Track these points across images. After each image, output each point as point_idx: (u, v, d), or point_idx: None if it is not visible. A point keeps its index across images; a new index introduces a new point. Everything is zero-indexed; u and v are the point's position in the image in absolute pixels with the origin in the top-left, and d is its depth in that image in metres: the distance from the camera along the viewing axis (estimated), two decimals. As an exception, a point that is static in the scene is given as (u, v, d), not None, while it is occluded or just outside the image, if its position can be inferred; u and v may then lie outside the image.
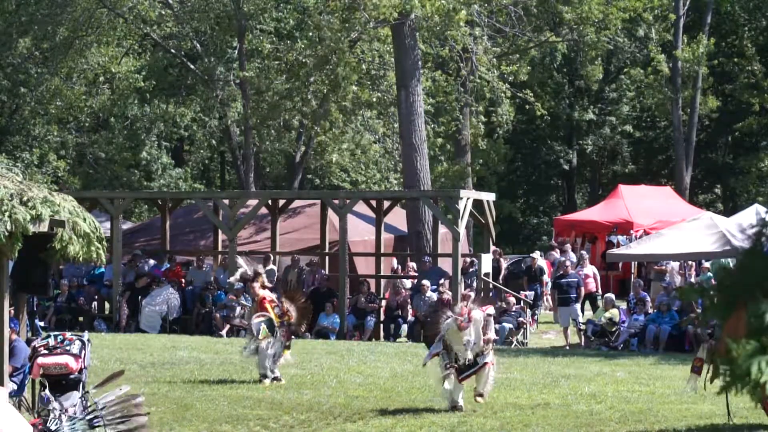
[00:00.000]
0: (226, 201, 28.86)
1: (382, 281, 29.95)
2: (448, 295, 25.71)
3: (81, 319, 27.89)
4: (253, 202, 29.24)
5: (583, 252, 33.26)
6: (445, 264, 28.36)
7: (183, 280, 28.81)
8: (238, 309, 24.64)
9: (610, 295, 27.08)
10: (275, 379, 18.07)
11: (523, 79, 39.92)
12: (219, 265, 29.54)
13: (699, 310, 22.25)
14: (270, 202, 30.00)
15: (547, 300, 30.28)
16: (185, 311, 27.89)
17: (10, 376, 13.40)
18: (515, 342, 26.01)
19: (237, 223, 28.18)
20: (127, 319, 27.54)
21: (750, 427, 14.16)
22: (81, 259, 12.72)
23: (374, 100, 36.75)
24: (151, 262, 29.64)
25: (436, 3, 31.83)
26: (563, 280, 27.45)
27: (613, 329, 25.53)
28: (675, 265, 29.86)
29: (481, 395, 15.50)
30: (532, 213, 59.25)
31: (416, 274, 28.87)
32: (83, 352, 13.69)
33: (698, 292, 10.48)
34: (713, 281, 19.40)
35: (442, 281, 26.84)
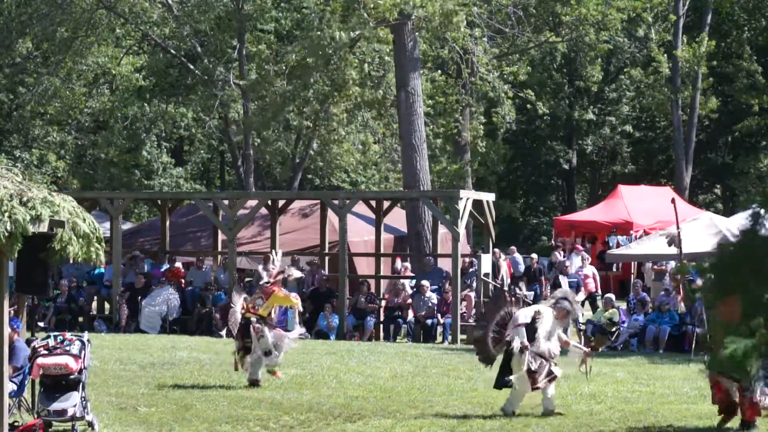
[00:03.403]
0: (226, 201, 28.85)
1: (382, 281, 29.94)
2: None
3: (81, 319, 27.88)
4: (253, 202, 29.22)
5: (583, 252, 33.22)
6: (445, 264, 28.34)
7: (183, 281, 28.81)
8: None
9: (610, 296, 27.07)
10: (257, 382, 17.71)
11: (522, 78, 39.92)
12: (219, 265, 29.54)
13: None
14: (270, 202, 29.98)
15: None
16: (185, 311, 27.88)
17: (10, 377, 13.39)
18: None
19: (237, 223, 28.17)
20: (127, 319, 27.52)
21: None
22: (80, 259, 12.70)
23: (377, 94, 36.61)
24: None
25: (436, 4, 31.79)
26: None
27: (613, 329, 25.52)
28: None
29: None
30: (531, 213, 59.26)
31: (412, 275, 28.84)
32: (83, 352, 13.69)
33: (696, 268, 10.42)
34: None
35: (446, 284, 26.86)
